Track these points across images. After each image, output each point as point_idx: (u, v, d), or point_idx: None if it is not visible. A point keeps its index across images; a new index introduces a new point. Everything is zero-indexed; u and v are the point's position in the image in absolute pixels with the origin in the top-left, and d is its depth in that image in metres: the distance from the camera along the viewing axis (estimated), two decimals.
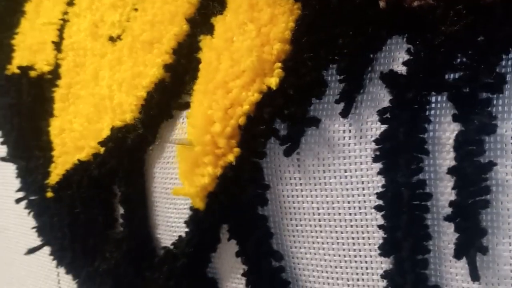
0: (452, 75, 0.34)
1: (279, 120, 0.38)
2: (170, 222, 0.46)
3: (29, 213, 0.57)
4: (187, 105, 0.43)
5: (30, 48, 0.59)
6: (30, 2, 0.62)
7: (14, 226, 0.62)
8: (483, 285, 0.34)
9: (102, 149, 0.48)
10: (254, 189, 0.39)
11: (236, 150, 0.38)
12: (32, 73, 0.58)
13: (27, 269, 0.61)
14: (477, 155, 0.33)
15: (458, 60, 0.33)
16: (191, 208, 0.42)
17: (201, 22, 0.44)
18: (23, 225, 0.59)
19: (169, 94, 0.45)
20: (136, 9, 0.50)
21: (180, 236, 0.44)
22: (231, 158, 0.38)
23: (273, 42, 0.38)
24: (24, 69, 0.58)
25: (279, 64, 0.38)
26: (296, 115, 0.38)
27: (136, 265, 0.47)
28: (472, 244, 0.33)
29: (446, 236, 0.35)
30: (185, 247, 0.43)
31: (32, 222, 0.57)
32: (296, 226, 0.40)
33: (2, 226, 0.64)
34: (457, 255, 0.34)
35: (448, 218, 0.34)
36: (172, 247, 0.45)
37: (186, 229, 0.43)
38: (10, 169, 0.60)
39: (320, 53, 0.37)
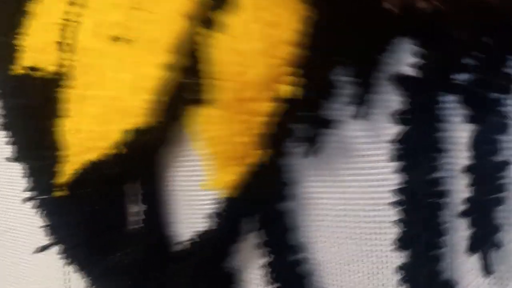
0: (462, 77, 0.35)
1: (296, 123, 0.39)
2: (187, 219, 0.47)
3: (39, 212, 0.57)
4: (198, 102, 0.43)
5: (34, 48, 0.59)
6: (33, 2, 0.61)
7: (21, 226, 0.62)
8: (497, 279, 0.35)
9: (114, 150, 0.48)
10: (278, 185, 0.40)
11: (259, 152, 0.39)
12: (37, 74, 0.58)
13: (34, 269, 0.61)
14: (492, 154, 0.34)
15: (468, 62, 0.34)
16: (219, 201, 0.43)
17: (200, 19, 0.43)
18: (29, 224, 0.59)
19: (177, 95, 0.46)
20: (136, 8, 0.50)
21: (200, 230, 0.45)
22: (255, 159, 0.40)
23: (281, 46, 0.38)
24: (31, 70, 0.58)
25: (289, 69, 0.38)
26: (310, 117, 0.38)
27: (154, 261, 0.47)
28: (486, 240, 0.35)
29: (461, 232, 0.36)
30: (210, 238, 0.43)
31: (39, 222, 0.57)
32: (319, 221, 0.41)
33: (8, 226, 0.64)
34: (472, 250, 0.35)
35: (463, 214, 0.35)
36: (193, 240, 0.45)
37: (212, 221, 0.44)
38: (17, 169, 0.60)
39: (329, 55, 0.37)
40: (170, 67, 0.45)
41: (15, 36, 0.61)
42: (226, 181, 0.41)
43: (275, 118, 0.39)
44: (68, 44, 0.56)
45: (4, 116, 0.60)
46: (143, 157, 0.47)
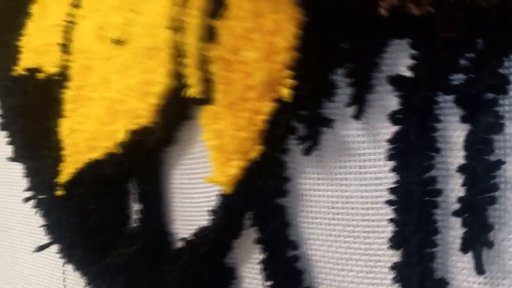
0: (456, 78, 0.35)
1: (297, 121, 0.40)
2: (187, 216, 0.48)
3: (37, 212, 0.57)
4: (205, 102, 0.44)
5: (36, 49, 0.60)
6: (36, 3, 0.62)
7: (19, 225, 0.62)
8: (488, 279, 0.35)
9: (117, 149, 0.49)
10: (275, 181, 0.41)
11: (259, 147, 0.41)
12: (39, 75, 0.58)
13: (32, 268, 0.62)
14: (486, 153, 0.34)
15: (462, 63, 0.35)
16: (219, 196, 0.44)
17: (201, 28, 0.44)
18: (28, 224, 0.60)
19: (183, 99, 0.46)
20: (133, 12, 0.50)
21: (200, 227, 0.45)
22: (255, 154, 0.41)
23: (280, 51, 0.39)
24: (31, 71, 0.58)
25: (289, 73, 0.39)
26: (310, 116, 0.39)
27: (151, 259, 0.48)
28: (478, 239, 0.35)
29: (454, 231, 0.36)
30: (210, 233, 0.44)
31: (38, 222, 0.58)
32: (314, 218, 0.41)
33: (7, 226, 0.64)
34: (464, 249, 0.35)
35: (456, 213, 0.35)
36: (193, 237, 0.46)
37: (211, 217, 0.44)
38: (16, 169, 0.60)
39: (327, 58, 0.38)
40: (172, 74, 0.46)
41: (16, 37, 0.62)
42: (228, 176, 0.42)
43: (275, 116, 0.40)
44: (69, 46, 0.57)
45: (3, 116, 0.60)
46: (145, 156, 0.48)
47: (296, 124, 0.40)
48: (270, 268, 0.42)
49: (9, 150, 0.60)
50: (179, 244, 0.47)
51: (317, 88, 0.39)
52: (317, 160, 0.40)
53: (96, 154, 0.50)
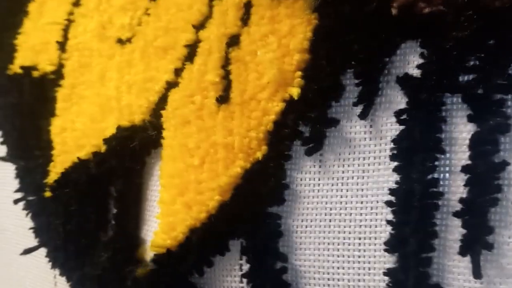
0: (465, 77, 0.35)
1: (303, 123, 0.40)
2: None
3: (27, 214, 0.56)
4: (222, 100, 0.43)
5: (33, 48, 0.59)
6: (33, 2, 0.61)
7: (13, 227, 0.61)
8: (485, 284, 0.35)
9: (103, 148, 0.48)
10: (275, 185, 0.41)
11: (264, 148, 0.41)
12: (35, 73, 0.58)
13: (26, 270, 0.61)
14: (491, 154, 0.34)
15: (471, 63, 0.35)
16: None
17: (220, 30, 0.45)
18: (22, 226, 0.59)
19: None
20: (148, 14, 0.50)
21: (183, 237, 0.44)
22: (259, 155, 0.41)
23: (292, 53, 0.40)
24: (27, 69, 0.58)
25: (299, 73, 0.40)
26: (317, 117, 0.40)
27: (120, 270, 0.46)
28: (477, 241, 0.34)
29: (453, 235, 0.35)
30: (194, 247, 0.42)
31: (31, 223, 0.57)
32: (306, 227, 0.40)
33: (1, 227, 0.63)
34: (463, 252, 0.35)
35: (456, 214, 0.35)
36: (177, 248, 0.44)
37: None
38: (10, 169, 0.60)
39: (336, 59, 0.39)
40: (177, 72, 0.46)
41: (13, 35, 0.61)
42: (230, 178, 0.41)
43: (283, 118, 0.40)
44: (67, 44, 0.56)
45: None
46: (130, 156, 0.47)
47: (302, 125, 0.40)
48: (256, 281, 0.41)
49: (2, 150, 0.60)
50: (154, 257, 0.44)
51: (326, 89, 0.39)
52: (320, 163, 0.40)
53: (83, 153, 0.49)
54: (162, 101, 0.46)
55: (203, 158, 0.42)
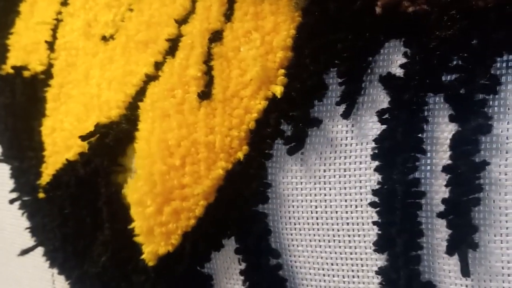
0: (448, 77, 0.35)
1: (285, 122, 0.40)
2: None
3: (22, 213, 0.56)
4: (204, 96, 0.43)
5: (24, 48, 0.59)
6: (24, 2, 0.61)
7: (10, 226, 0.62)
8: (475, 281, 0.35)
9: (87, 148, 0.48)
10: (257, 185, 0.40)
11: (245, 148, 0.40)
12: (26, 73, 0.58)
13: (23, 270, 0.61)
14: (472, 154, 0.33)
15: (454, 62, 0.34)
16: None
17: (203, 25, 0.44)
18: (19, 225, 0.59)
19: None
20: (131, 10, 0.50)
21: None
22: (240, 155, 0.40)
23: (276, 50, 0.40)
24: (18, 69, 0.58)
25: (283, 71, 0.39)
26: (300, 117, 0.39)
27: (122, 268, 0.46)
28: (463, 241, 0.34)
29: (439, 234, 0.35)
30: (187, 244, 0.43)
31: (27, 223, 0.57)
32: (295, 224, 0.40)
33: None
34: (449, 251, 0.35)
35: (440, 215, 0.35)
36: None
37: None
38: (6, 169, 0.60)
39: (320, 58, 0.38)
40: (156, 65, 0.45)
41: (5, 35, 0.61)
42: (213, 180, 0.41)
43: (265, 116, 0.40)
44: (55, 44, 0.56)
45: None
46: (110, 152, 0.47)
47: (284, 124, 0.40)
48: (253, 278, 0.41)
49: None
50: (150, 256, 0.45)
51: (309, 87, 0.39)
52: (301, 162, 0.40)
53: (71, 154, 0.49)
54: (140, 94, 0.46)
55: (184, 158, 0.41)
